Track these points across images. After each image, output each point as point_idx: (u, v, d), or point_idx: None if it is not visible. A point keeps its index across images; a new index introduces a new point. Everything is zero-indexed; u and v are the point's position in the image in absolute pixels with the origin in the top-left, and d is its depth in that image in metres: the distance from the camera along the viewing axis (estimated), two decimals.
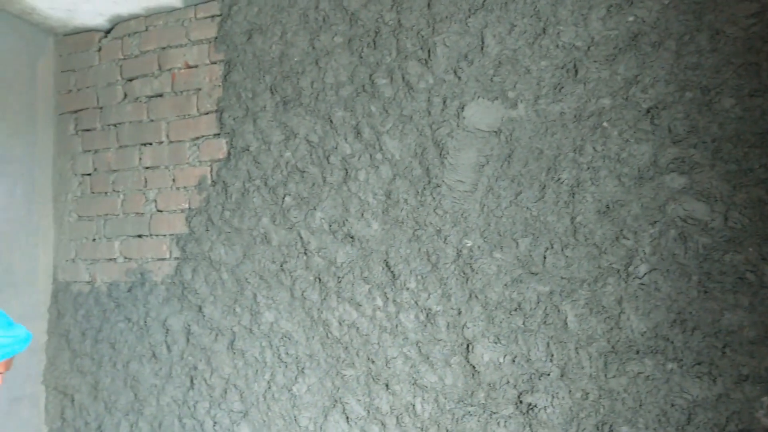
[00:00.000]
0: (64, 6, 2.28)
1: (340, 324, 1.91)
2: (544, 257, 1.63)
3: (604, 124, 1.57)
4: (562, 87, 1.63)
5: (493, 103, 1.71)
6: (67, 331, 2.45)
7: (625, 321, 1.53)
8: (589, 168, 1.58)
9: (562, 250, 1.61)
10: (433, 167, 1.78)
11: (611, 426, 1.52)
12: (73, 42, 2.53)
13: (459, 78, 1.76)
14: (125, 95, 2.40)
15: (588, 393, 1.56)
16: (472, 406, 1.71)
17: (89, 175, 2.47)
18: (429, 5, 1.81)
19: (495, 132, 1.70)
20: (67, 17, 2.38)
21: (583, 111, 1.60)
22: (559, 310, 1.61)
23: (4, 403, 2.31)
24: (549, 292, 1.62)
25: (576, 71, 1.61)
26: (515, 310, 1.66)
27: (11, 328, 1.72)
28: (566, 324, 1.60)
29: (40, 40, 2.51)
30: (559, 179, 1.61)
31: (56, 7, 2.30)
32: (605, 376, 1.54)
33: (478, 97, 1.73)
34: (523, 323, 1.65)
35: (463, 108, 1.74)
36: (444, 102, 1.77)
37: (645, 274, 1.51)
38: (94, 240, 2.44)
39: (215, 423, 2.10)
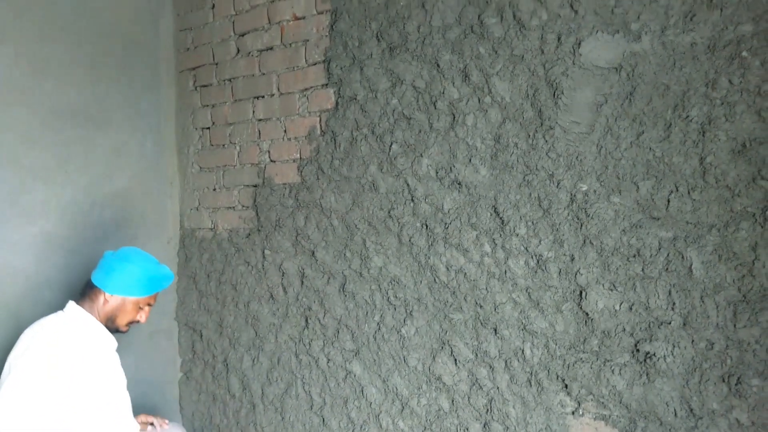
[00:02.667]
0: None
1: (447, 269, 1.94)
2: (668, 201, 1.54)
3: (744, 53, 1.42)
4: (694, 15, 1.48)
5: (613, 37, 1.60)
6: (194, 274, 2.69)
7: (759, 268, 1.42)
8: (723, 103, 1.45)
9: (689, 193, 1.51)
10: (546, 108, 1.72)
11: (739, 377, 1.44)
12: (189, 1, 2.66)
13: (575, 12, 1.65)
14: (238, 50, 2.51)
15: (713, 343, 1.48)
16: (584, 353, 1.68)
17: (208, 128, 2.64)
18: None
19: (615, 68, 1.60)
20: None
21: (719, 40, 1.45)
22: (683, 257, 1.52)
23: (146, 335, 2.60)
24: (672, 237, 1.54)
25: None
26: (634, 256, 1.59)
27: (160, 267, 1.92)
28: (691, 271, 1.51)
29: (159, 0, 2.67)
30: (687, 117, 1.50)
31: None
32: (734, 326, 1.45)
33: (597, 31, 1.62)
34: (642, 270, 1.58)
35: (579, 44, 1.65)
36: (559, 39, 1.68)
37: None
38: (214, 190, 2.62)
39: (329, 360, 2.23)
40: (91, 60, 2.36)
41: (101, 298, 1.84)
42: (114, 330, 1.88)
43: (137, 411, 2.08)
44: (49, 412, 1.65)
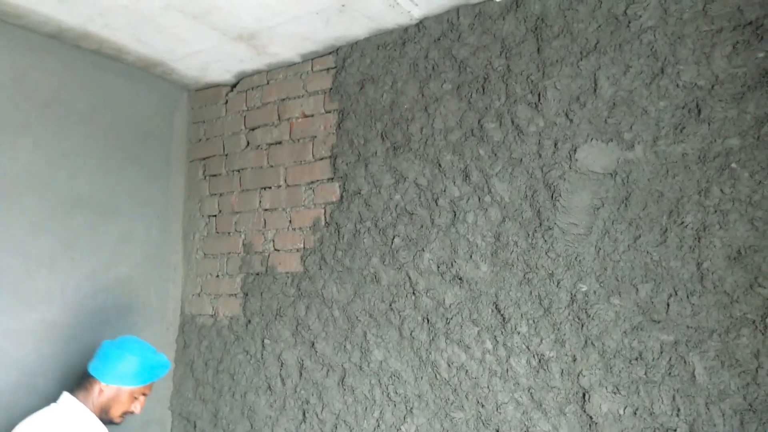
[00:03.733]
0: (197, 66, 2.55)
1: (449, 365, 1.92)
2: (668, 305, 1.55)
3: (733, 165, 1.49)
4: (684, 127, 1.57)
5: (607, 145, 1.68)
6: (192, 361, 2.65)
7: (763, 377, 1.41)
8: (716, 211, 1.50)
9: (688, 297, 1.53)
10: (544, 210, 1.77)
11: None
12: (204, 96, 2.81)
13: (571, 120, 1.75)
14: (248, 143, 2.61)
15: None
16: None
17: (215, 216, 2.70)
18: (539, 50, 1.83)
19: (610, 174, 1.67)
20: (200, 75, 2.66)
21: (708, 152, 1.53)
22: (685, 362, 1.52)
23: (138, 425, 2.52)
24: (674, 341, 1.54)
25: (699, 111, 1.55)
26: (636, 359, 1.59)
27: (157, 355, 1.91)
28: (694, 376, 1.50)
29: (176, 96, 2.81)
30: (682, 223, 1.54)
31: (191, 67, 2.57)
32: None
33: (592, 139, 1.71)
34: (645, 374, 1.57)
35: (575, 150, 1.73)
36: (555, 144, 1.77)
37: None
38: (217, 276, 2.64)
39: None
40: (104, 151, 2.45)
41: (96, 388, 1.82)
42: (108, 422, 1.84)
43: None
44: None
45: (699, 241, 1.52)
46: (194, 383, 2.62)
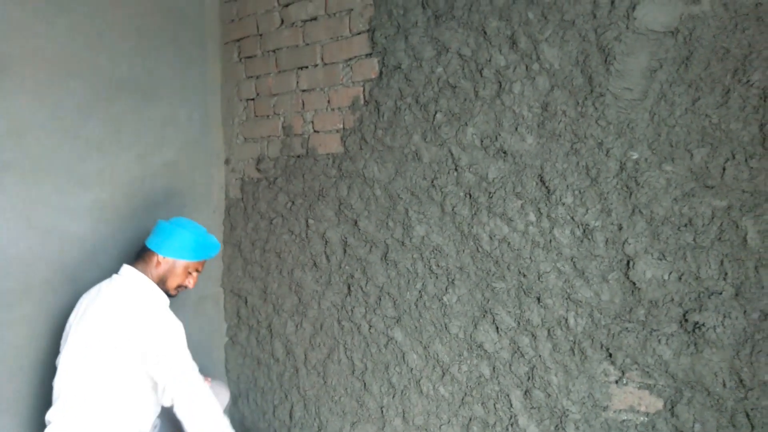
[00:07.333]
0: None
1: (490, 238, 1.94)
2: (723, 169, 1.50)
3: None
4: None
5: (670, 0, 1.55)
6: (239, 242, 2.76)
7: None
8: None
9: (746, 160, 1.46)
10: (596, 75, 1.68)
11: None
12: None
13: None
14: (282, 21, 2.52)
15: (767, 314, 1.45)
16: (630, 322, 1.67)
17: (252, 99, 2.68)
18: None
19: (672, 32, 1.55)
20: None
21: None
22: (737, 226, 1.49)
23: (194, 300, 2.69)
24: (727, 206, 1.50)
25: None
26: (685, 225, 1.56)
27: (209, 236, 1.99)
28: (746, 241, 1.48)
29: None
30: (748, 81, 1.45)
31: None
32: None
33: None
34: (694, 239, 1.55)
35: (634, 7, 1.60)
36: (612, 2, 1.64)
37: None
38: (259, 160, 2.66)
39: (371, 326, 2.27)
40: (139, 33, 2.41)
41: (154, 260, 1.93)
42: (164, 293, 1.96)
43: None
44: (116, 364, 1.74)
45: (765, 101, 1.43)
46: (243, 262, 2.74)
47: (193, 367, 1.82)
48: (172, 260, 1.95)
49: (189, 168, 2.66)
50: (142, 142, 2.44)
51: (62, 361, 1.79)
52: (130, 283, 1.89)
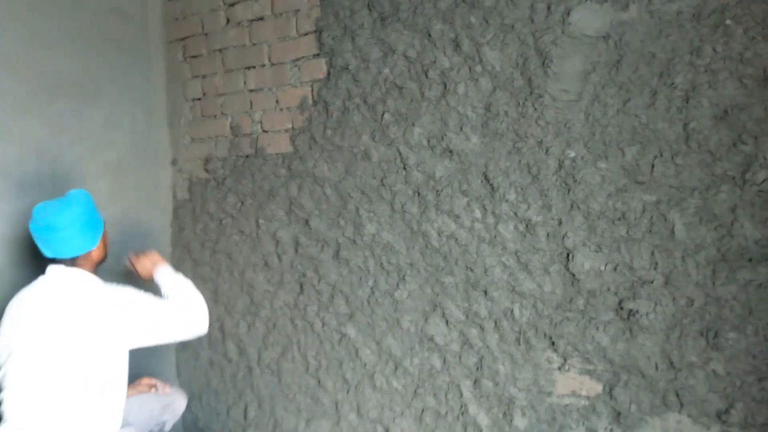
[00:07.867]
0: None
1: (439, 235, 2.00)
2: (652, 166, 1.60)
3: (727, 21, 1.47)
4: None
5: (602, 6, 1.64)
6: (188, 243, 2.72)
7: (738, 229, 1.50)
8: (706, 71, 1.51)
9: (673, 158, 1.57)
10: (535, 77, 1.76)
11: (717, 332, 1.53)
12: None
13: None
14: (228, 20, 2.50)
15: (693, 300, 1.57)
16: (570, 312, 1.76)
17: (199, 99, 2.64)
18: None
19: (603, 37, 1.64)
20: None
21: (704, 8, 1.50)
22: (666, 219, 1.59)
23: None
24: (656, 201, 1.60)
25: None
26: (619, 219, 1.66)
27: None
28: (673, 233, 1.58)
29: None
30: (672, 84, 1.55)
31: None
32: (713, 283, 1.54)
33: (586, 0, 1.66)
34: (627, 232, 1.65)
35: (569, 13, 1.68)
36: (548, 8, 1.72)
37: (764, 180, 1.46)
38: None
39: (324, 324, 2.29)
40: (80, 31, 2.34)
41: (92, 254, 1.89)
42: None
43: (136, 377, 2.14)
44: (95, 357, 1.71)
45: (687, 102, 1.54)
46: (192, 264, 2.71)
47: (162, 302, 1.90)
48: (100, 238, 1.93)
49: (134, 169, 2.60)
50: (83, 144, 2.37)
51: (12, 375, 1.67)
52: (60, 278, 1.82)
